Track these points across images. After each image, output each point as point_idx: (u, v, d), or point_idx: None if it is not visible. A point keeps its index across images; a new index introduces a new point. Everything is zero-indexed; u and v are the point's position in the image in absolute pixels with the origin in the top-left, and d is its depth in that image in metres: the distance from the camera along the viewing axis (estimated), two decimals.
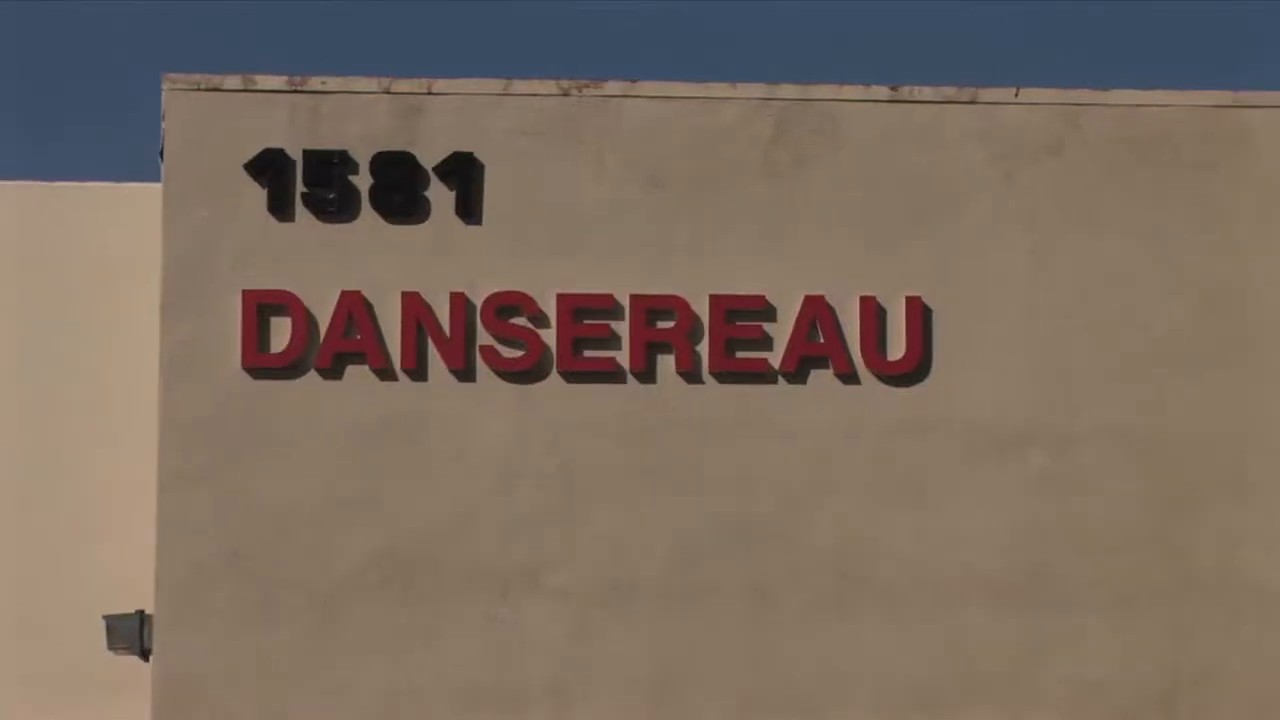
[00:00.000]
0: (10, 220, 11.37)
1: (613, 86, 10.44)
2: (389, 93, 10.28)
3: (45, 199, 11.53)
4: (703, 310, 10.19)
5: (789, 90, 10.44)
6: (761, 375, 10.19)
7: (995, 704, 10.02)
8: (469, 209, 10.26)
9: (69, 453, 11.17)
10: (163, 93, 10.28)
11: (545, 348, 10.14)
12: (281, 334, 10.11)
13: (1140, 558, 10.11)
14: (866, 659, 10.05)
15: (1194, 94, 10.43)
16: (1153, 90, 10.45)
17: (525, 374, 10.12)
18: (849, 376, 10.18)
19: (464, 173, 10.28)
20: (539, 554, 10.09)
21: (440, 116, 10.30)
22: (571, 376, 10.14)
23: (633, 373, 10.15)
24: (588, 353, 10.17)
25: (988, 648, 10.05)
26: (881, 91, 10.46)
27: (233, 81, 10.23)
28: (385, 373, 10.09)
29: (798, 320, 10.20)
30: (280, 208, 10.17)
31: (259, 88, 10.24)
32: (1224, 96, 10.46)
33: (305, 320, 10.06)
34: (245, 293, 10.06)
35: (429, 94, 10.31)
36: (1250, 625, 10.07)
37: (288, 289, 10.07)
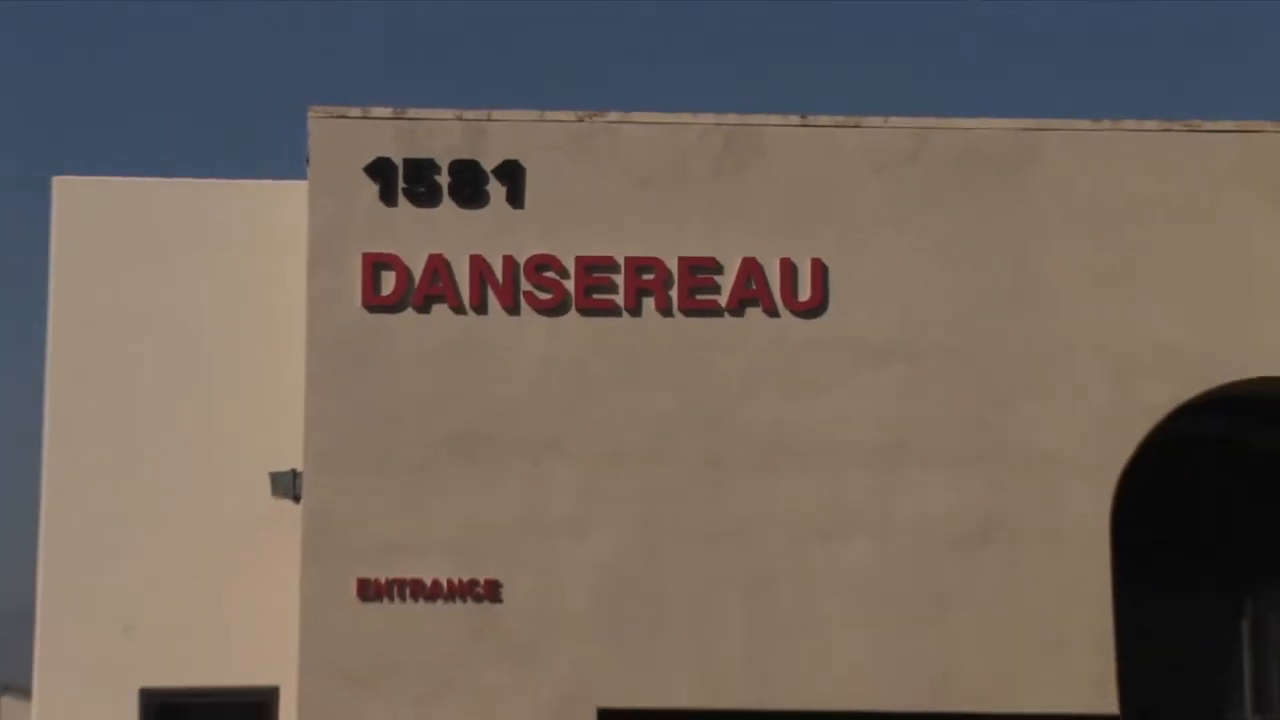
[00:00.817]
0: (199, 208, 13.76)
1: (613, 115, 12.70)
2: (461, 119, 12.55)
3: (228, 193, 13.91)
4: (673, 267, 12.45)
5: (732, 118, 12.69)
6: (713, 311, 12.45)
7: (869, 531, 12.27)
8: (516, 199, 12.50)
9: (245, 365, 13.37)
10: (309, 119, 12.54)
11: (567, 292, 12.39)
12: (389, 283, 12.36)
13: (967, 434, 12.43)
14: (783, 502, 12.26)
15: (1004, 120, 12.81)
16: (977, 117, 12.82)
17: (553, 310, 12.38)
18: (772, 311, 12.43)
19: (513, 174, 12.51)
20: (561, 431, 12.34)
21: (497, 135, 12.56)
22: (584, 312, 12.42)
23: (626, 309, 12.44)
24: (595, 296, 12.42)
25: (864, 493, 12.32)
26: (795, 119, 12.74)
27: (355, 112, 12.51)
28: (458, 309, 12.35)
29: (738, 274, 12.46)
30: (388, 198, 12.44)
31: (374, 115, 12.52)
32: (1025, 122, 12.77)
33: (405, 273, 12.30)
34: (364, 254, 12.31)
35: (489, 120, 12.57)
36: (1042, 479, 12.35)
37: (393, 252, 12.33)
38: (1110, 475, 12.42)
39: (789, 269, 12.56)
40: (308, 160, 12.61)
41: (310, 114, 12.59)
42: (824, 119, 12.80)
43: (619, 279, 12.57)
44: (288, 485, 12.82)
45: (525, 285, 12.54)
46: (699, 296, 12.56)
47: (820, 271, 12.59)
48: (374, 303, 12.45)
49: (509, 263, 12.52)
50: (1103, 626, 12.25)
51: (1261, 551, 13.38)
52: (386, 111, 12.62)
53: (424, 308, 12.47)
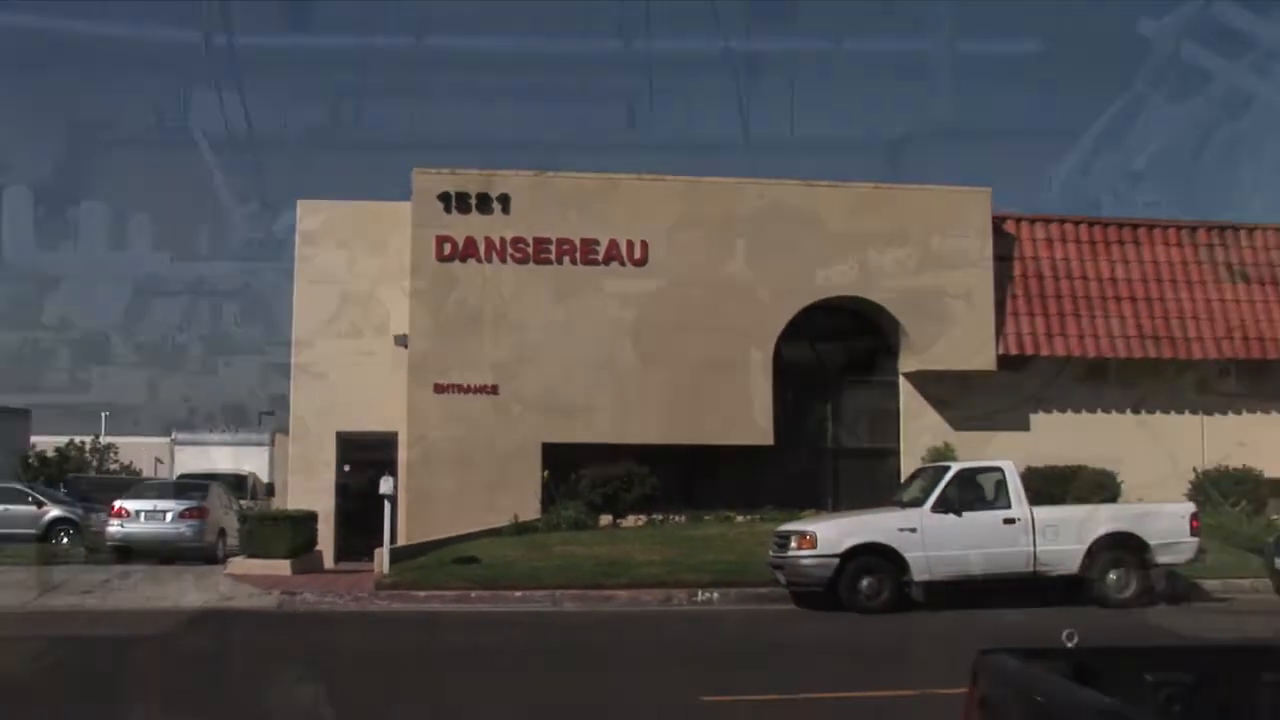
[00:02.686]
0: (363, 214, 24.91)
1: (551, 173, 24.07)
2: (480, 173, 24.09)
3: (375, 207, 25.13)
4: (578, 243, 23.81)
5: (605, 176, 24.02)
6: (597, 264, 23.87)
7: (666, 363, 23.53)
8: (506, 211, 23.86)
9: (387, 291, 24.39)
10: (413, 173, 23.89)
11: (529, 255, 23.83)
12: (447, 249, 23.69)
13: (707, 319, 23.78)
14: (630, 348, 23.74)
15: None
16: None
17: (522, 263, 23.73)
18: (623, 264, 23.85)
19: (505, 200, 23.97)
20: (527, 318, 23.58)
21: (498, 181, 23.99)
22: (538, 263, 23.86)
23: (556, 262, 23.86)
24: (542, 256, 23.85)
25: (664, 344, 23.61)
26: (633, 176, 24.24)
27: (432, 170, 23.82)
28: (479, 261, 23.69)
29: (607, 246, 23.91)
30: (448, 210, 23.78)
31: (441, 171, 23.88)
32: (740, 179, 24.70)
33: (455, 245, 23.67)
34: (436, 236, 23.66)
35: (494, 174, 24.03)
36: (741, 340, 23.81)
37: (450, 235, 23.71)
38: (772, 339, 24.52)
39: (631, 244, 24.43)
40: (412, 191, 24.53)
41: (415, 171, 24.38)
42: (647, 176, 24.89)
43: (553, 248, 24.20)
44: (404, 341, 24.17)
45: (510, 251, 24.19)
46: (590, 257, 24.31)
47: (645, 247, 24.52)
48: (441, 259, 24.05)
49: (503, 241, 24.22)
50: (767, 408, 24.30)
51: (839, 376, 25.84)
52: (447, 169, 24.47)
53: (464, 261, 24.10)
